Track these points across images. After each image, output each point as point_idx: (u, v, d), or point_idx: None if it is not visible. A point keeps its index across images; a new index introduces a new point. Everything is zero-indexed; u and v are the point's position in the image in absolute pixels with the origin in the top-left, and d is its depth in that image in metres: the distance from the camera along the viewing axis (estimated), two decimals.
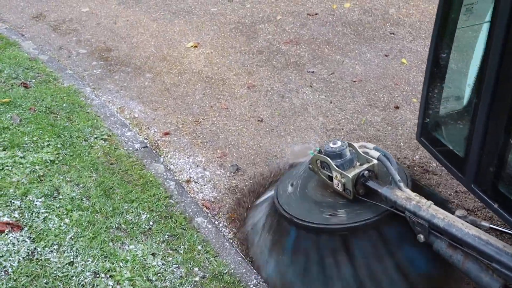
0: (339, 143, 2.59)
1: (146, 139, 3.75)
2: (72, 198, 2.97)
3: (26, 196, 2.94)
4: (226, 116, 4.01)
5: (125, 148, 3.51)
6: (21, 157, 3.26)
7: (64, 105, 3.93)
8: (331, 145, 2.60)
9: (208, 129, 3.87)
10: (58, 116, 3.78)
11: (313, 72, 4.51)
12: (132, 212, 2.92)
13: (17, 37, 5.25)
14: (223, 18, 5.55)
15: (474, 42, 2.24)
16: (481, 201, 2.10)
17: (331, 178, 2.62)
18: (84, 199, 2.98)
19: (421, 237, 2.30)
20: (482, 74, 1.96)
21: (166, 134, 3.82)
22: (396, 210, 2.38)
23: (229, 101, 4.19)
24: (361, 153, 2.60)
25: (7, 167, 3.16)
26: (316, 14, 5.47)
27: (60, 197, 2.97)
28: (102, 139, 3.57)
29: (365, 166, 2.55)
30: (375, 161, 2.57)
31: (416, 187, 2.60)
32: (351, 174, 2.51)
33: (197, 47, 5.03)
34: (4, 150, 3.32)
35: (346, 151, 2.58)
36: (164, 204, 3.01)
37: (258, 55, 4.79)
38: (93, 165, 3.27)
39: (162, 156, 3.57)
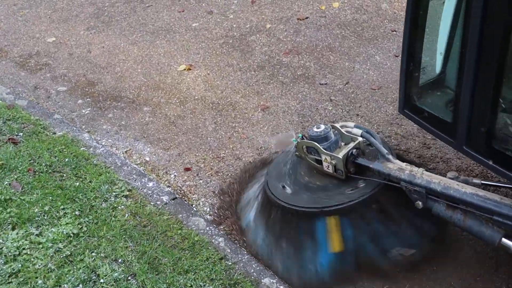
0: (322, 127, 2.62)
1: (169, 186, 3.29)
2: (116, 279, 2.50)
3: (60, 287, 2.45)
4: (249, 147, 3.60)
5: (152, 203, 3.05)
6: (37, 235, 2.76)
7: (66, 159, 3.40)
8: (315, 129, 2.62)
9: (234, 164, 3.45)
10: (64, 175, 3.26)
11: (326, 84, 4.15)
12: (191, 286, 2.48)
13: None
14: (208, 34, 5.10)
15: (448, 6, 2.29)
16: (475, 160, 2.17)
17: (319, 162, 2.63)
18: (130, 278, 2.52)
19: (419, 203, 2.35)
20: (463, 38, 1.99)
21: (189, 177, 3.38)
22: (390, 182, 2.44)
23: (247, 128, 3.78)
24: (344, 133, 2.63)
25: (24, 251, 2.66)
26: (306, 18, 5.11)
27: (101, 280, 2.50)
28: (123, 196, 3.09)
29: (352, 144, 2.59)
30: (360, 139, 2.60)
31: (398, 157, 2.62)
32: (340, 154, 2.54)
33: (190, 69, 4.57)
34: (14, 228, 2.81)
35: (331, 133, 2.61)
36: (222, 268, 2.59)
37: (260, 71, 4.39)
38: (125, 232, 2.80)
39: (194, 206, 3.13)
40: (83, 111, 4.22)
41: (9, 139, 3.62)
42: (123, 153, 3.65)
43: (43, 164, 3.35)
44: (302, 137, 2.70)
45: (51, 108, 4.28)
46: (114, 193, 3.10)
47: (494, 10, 1.82)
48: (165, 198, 3.10)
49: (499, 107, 2.00)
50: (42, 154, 3.46)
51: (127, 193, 3.12)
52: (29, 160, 3.39)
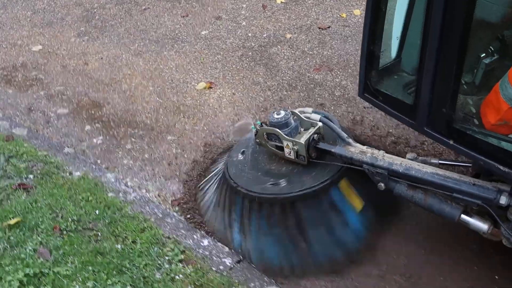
0: (283, 113, 2.62)
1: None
2: None
3: None
4: None
5: (214, 269, 2.55)
6: None
7: (96, 212, 2.82)
8: (276, 115, 2.62)
9: None
10: (99, 234, 2.69)
11: (371, 107, 3.72)
12: None
13: None
14: (222, 44, 4.54)
15: None
16: (435, 140, 2.22)
17: (280, 148, 2.64)
18: None
19: (382, 185, 2.42)
20: (425, 22, 2.00)
21: None
22: (352, 165, 2.49)
23: None
24: (304, 118, 2.65)
25: None
26: (328, 27, 4.65)
27: None
28: (178, 261, 2.57)
29: (313, 129, 2.61)
30: (320, 124, 2.63)
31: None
32: (302, 139, 2.55)
33: (211, 87, 4.02)
34: None
35: (291, 119, 2.61)
36: None
37: (293, 91, 3.91)
38: None
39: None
40: (95, 140, 3.60)
41: (19, 185, 2.98)
42: (156, 197, 3.09)
43: (69, 219, 2.76)
44: (261, 124, 2.69)
45: (54, 136, 3.63)
46: (166, 258, 2.57)
47: None
48: (228, 261, 2.60)
49: (459, 89, 2.05)
50: (64, 204, 2.85)
51: (182, 256, 2.59)
52: (51, 214, 2.79)
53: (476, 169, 2.40)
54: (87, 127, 3.73)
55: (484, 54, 2.25)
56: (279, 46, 4.43)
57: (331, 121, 2.66)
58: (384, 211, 2.79)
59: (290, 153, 2.61)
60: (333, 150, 2.55)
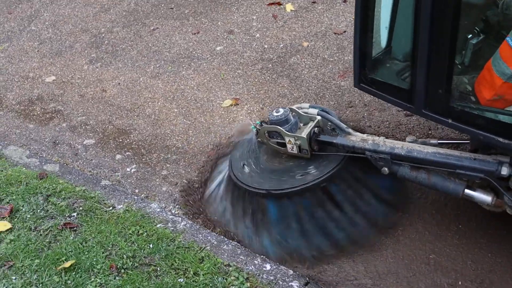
0: (282, 110, 2.70)
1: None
2: None
3: None
4: None
5: None
6: None
7: (150, 246, 2.73)
8: (275, 113, 2.70)
9: None
10: (158, 268, 2.59)
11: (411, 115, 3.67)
12: None
13: None
14: (239, 58, 4.46)
15: None
16: (434, 121, 2.27)
17: (281, 145, 2.74)
18: None
19: (386, 169, 2.48)
20: (415, 7, 2.05)
21: None
22: (354, 153, 2.58)
23: None
24: (302, 113, 2.74)
25: None
26: (344, 31, 4.59)
27: None
28: None
29: (312, 123, 2.70)
30: (318, 117, 2.72)
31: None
32: (304, 134, 2.64)
33: (237, 104, 3.94)
34: None
35: (290, 116, 2.70)
36: None
37: (322, 100, 3.84)
38: None
39: None
40: (128, 169, 3.50)
41: (64, 224, 2.88)
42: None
43: (124, 256, 2.66)
44: (261, 123, 2.78)
45: (85, 169, 3.53)
46: (233, 287, 2.48)
47: None
48: (295, 285, 2.51)
49: (454, 69, 2.13)
50: (115, 241, 2.75)
51: (248, 284, 2.50)
52: (103, 253, 2.69)
53: (474, 145, 2.45)
54: (118, 156, 3.63)
55: (471, 35, 2.32)
56: (298, 56, 4.36)
57: (329, 114, 2.74)
58: None
59: (293, 148, 2.69)
60: (334, 141, 2.63)
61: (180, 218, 2.96)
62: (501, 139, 2.02)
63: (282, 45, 4.52)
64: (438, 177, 2.41)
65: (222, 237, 2.83)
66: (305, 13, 4.91)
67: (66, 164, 3.55)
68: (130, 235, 2.79)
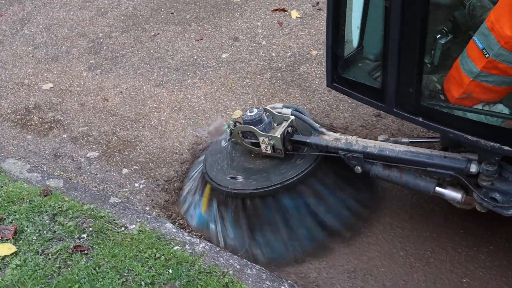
0: (255, 110, 2.71)
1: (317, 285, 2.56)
2: None
3: None
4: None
5: None
6: None
7: (169, 271, 2.54)
8: (249, 113, 2.71)
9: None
10: None
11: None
12: None
13: None
14: (246, 66, 4.29)
15: None
16: (405, 120, 2.29)
17: (256, 145, 2.74)
18: None
19: (358, 168, 2.53)
20: (386, 9, 2.09)
21: (325, 267, 2.65)
22: (327, 153, 2.62)
23: None
24: (276, 113, 2.76)
25: None
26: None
27: None
28: None
29: (286, 123, 2.71)
30: (292, 117, 2.73)
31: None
32: (278, 133, 2.66)
33: None
34: None
35: (264, 116, 2.71)
36: None
37: (336, 112, 3.70)
38: None
39: None
40: (136, 185, 3.31)
41: (74, 247, 2.67)
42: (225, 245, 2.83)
43: (142, 282, 2.47)
44: (234, 124, 2.78)
45: (90, 184, 3.33)
46: None
47: None
48: None
49: (424, 68, 2.16)
50: (131, 266, 2.56)
51: None
52: (119, 279, 2.50)
53: (445, 143, 2.49)
54: (125, 171, 3.43)
55: (439, 35, 2.36)
56: (307, 65, 4.21)
57: (302, 114, 2.76)
58: None
59: (267, 148, 2.70)
60: (308, 140, 2.67)
61: (198, 240, 2.78)
62: (469, 137, 2.06)
63: (290, 54, 4.37)
64: (410, 175, 2.46)
65: (244, 260, 2.66)
66: (311, 20, 4.76)
67: (70, 179, 3.34)
68: (146, 259, 2.60)
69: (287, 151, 2.71)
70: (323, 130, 2.66)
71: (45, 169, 3.46)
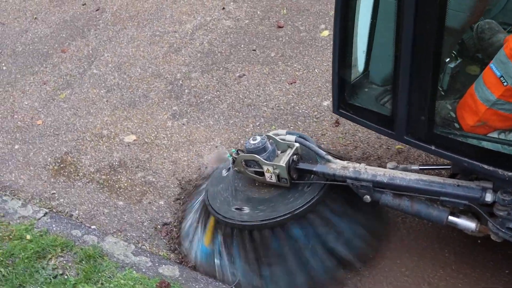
0: (259, 138, 2.61)
1: None
2: None
3: None
4: None
5: None
6: None
7: None
8: (252, 141, 2.61)
9: None
10: None
11: None
12: None
13: (72, 228, 3.04)
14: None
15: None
16: (416, 148, 2.25)
17: (259, 173, 2.63)
18: None
19: (368, 197, 2.43)
20: (396, 34, 2.01)
21: None
22: (335, 181, 2.50)
23: None
24: (279, 141, 2.66)
25: None
26: None
27: None
28: None
29: (291, 151, 2.60)
30: (297, 144, 2.63)
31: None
32: (282, 162, 2.54)
33: None
34: None
35: (268, 144, 2.61)
36: None
37: None
38: None
39: None
40: None
41: None
42: None
43: None
44: (237, 152, 2.69)
45: (213, 271, 2.82)
46: None
47: (426, 9, 1.87)
48: None
49: (436, 96, 2.08)
50: None
51: None
52: None
53: (456, 170, 2.39)
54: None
55: (448, 59, 2.29)
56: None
57: (308, 140, 2.66)
58: None
59: (272, 177, 2.60)
60: (314, 169, 2.56)
61: None
62: (486, 166, 1.98)
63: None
64: (422, 204, 2.37)
65: None
66: None
67: (184, 264, 2.84)
68: None
69: (293, 179, 2.60)
70: (330, 157, 2.55)
71: (148, 247, 2.97)
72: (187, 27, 5.01)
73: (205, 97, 4.18)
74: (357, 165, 2.47)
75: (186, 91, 4.28)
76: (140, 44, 4.92)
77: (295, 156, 2.60)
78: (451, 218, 2.33)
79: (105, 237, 2.99)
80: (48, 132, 4.04)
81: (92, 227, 3.09)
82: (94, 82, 4.53)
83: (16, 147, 3.94)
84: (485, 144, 2.07)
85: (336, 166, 2.50)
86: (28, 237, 2.97)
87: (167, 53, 4.75)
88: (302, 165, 2.61)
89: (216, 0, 5.29)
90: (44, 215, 3.17)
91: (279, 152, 2.65)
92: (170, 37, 4.94)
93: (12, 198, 3.32)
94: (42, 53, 4.99)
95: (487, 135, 2.09)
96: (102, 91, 4.41)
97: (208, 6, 5.27)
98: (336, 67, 2.35)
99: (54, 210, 3.25)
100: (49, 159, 3.79)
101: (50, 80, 4.62)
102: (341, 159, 2.57)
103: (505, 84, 1.93)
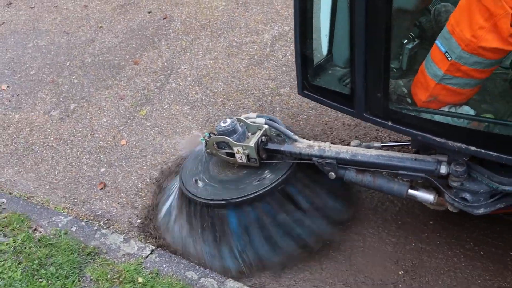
0: (229, 121, 2.70)
1: None
2: None
3: None
4: None
5: None
6: None
7: None
8: (223, 124, 2.69)
9: None
10: None
11: None
12: None
13: (185, 270, 2.70)
14: None
15: None
16: (375, 124, 2.30)
17: (231, 155, 2.72)
18: None
19: (332, 174, 2.54)
20: (351, 18, 2.10)
21: None
22: (301, 160, 2.61)
23: None
24: (250, 123, 2.76)
25: None
26: None
27: None
28: None
29: (260, 132, 2.71)
30: (266, 126, 2.74)
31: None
32: (251, 143, 2.64)
33: None
34: None
35: (238, 126, 2.70)
36: None
37: None
38: None
39: None
40: None
41: None
42: None
43: None
44: (209, 135, 2.75)
45: None
46: None
47: None
48: None
49: (389, 74, 2.16)
50: None
51: None
52: None
53: (415, 146, 2.47)
54: None
55: (406, 40, 2.37)
56: None
57: (276, 122, 2.75)
58: None
59: (242, 157, 2.68)
60: (281, 148, 2.65)
61: None
62: (437, 139, 2.08)
63: None
64: (383, 179, 2.47)
65: None
66: None
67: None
68: None
69: (262, 159, 2.68)
70: (297, 137, 2.64)
71: None
72: (266, 37, 4.64)
73: (300, 116, 3.81)
74: (322, 143, 2.57)
75: (277, 108, 3.92)
76: (218, 56, 4.56)
77: (264, 137, 2.69)
78: (410, 191, 2.42)
79: (225, 281, 2.64)
80: (134, 153, 3.70)
81: (206, 271, 2.74)
82: (175, 97, 4.18)
83: (102, 170, 3.61)
84: (437, 118, 2.16)
85: (302, 145, 2.59)
86: (140, 280, 2.63)
87: (248, 66, 4.39)
88: (270, 145, 2.68)
89: (291, 8, 4.91)
90: (151, 253, 2.83)
91: (249, 134, 2.72)
92: (249, 48, 4.58)
93: (112, 232, 2.98)
94: (113, 64, 4.65)
95: (439, 109, 2.18)
96: (185, 108, 4.06)
97: (283, 15, 4.91)
98: (298, 50, 2.41)
99: (158, 248, 2.90)
100: (140, 184, 3.45)
101: (127, 94, 4.28)
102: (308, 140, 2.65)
103: (449, 59, 2.01)
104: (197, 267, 2.76)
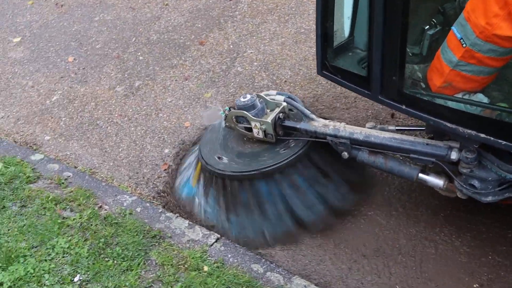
0: (249, 96, 2.75)
1: None
2: None
3: None
4: None
5: None
6: None
7: None
8: (242, 99, 2.74)
9: None
10: None
11: None
12: None
13: (251, 262, 2.62)
14: None
15: None
16: (389, 107, 2.36)
17: (248, 129, 2.79)
18: None
19: (345, 154, 2.59)
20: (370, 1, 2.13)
21: None
22: (317, 138, 2.67)
23: None
24: (269, 100, 2.79)
25: None
26: None
27: None
28: None
29: (278, 109, 2.75)
30: (284, 104, 2.78)
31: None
32: (269, 119, 2.70)
33: None
34: None
35: (257, 102, 2.75)
36: None
37: None
38: None
39: None
40: None
41: None
42: None
43: None
44: (229, 109, 2.81)
45: None
46: None
47: None
48: None
49: (405, 58, 2.19)
50: None
51: None
52: None
53: (429, 131, 2.49)
54: None
55: (428, 27, 2.38)
56: None
57: (295, 101, 2.77)
58: None
59: (259, 132, 2.74)
60: (298, 126, 2.70)
61: None
62: (448, 124, 2.10)
63: None
64: (395, 161, 2.51)
65: None
66: None
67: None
68: None
69: (278, 136, 2.75)
70: (313, 116, 2.68)
71: None
72: None
73: (370, 112, 3.65)
74: (337, 123, 2.61)
75: (353, 100, 3.76)
76: (285, 42, 4.42)
77: (281, 114, 2.74)
78: (421, 175, 2.46)
79: (292, 277, 2.55)
80: (197, 136, 3.63)
81: (272, 265, 2.65)
82: (241, 81, 4.08)
83: (166, 151, 3.56)
84: (450, 104, 2.18)
85: (318, 124, 2.64)
86: (206, 268, 2.57)
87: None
88: (287, 123, 2.73)
89: None
90: (216, 241, 2.76)
91: (268, 110, 2.76)
92: None
93: (177, 216, 2.93)
94: (179, 44, 4.58)
95: (453, 96, 2.19)
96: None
97: None
98: (319, 31, 2.44)
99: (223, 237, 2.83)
100: None
101: (192, 75, 4.20)
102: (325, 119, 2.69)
103: (464, 45, 2.01)
104: (263, 260, 2.68)
